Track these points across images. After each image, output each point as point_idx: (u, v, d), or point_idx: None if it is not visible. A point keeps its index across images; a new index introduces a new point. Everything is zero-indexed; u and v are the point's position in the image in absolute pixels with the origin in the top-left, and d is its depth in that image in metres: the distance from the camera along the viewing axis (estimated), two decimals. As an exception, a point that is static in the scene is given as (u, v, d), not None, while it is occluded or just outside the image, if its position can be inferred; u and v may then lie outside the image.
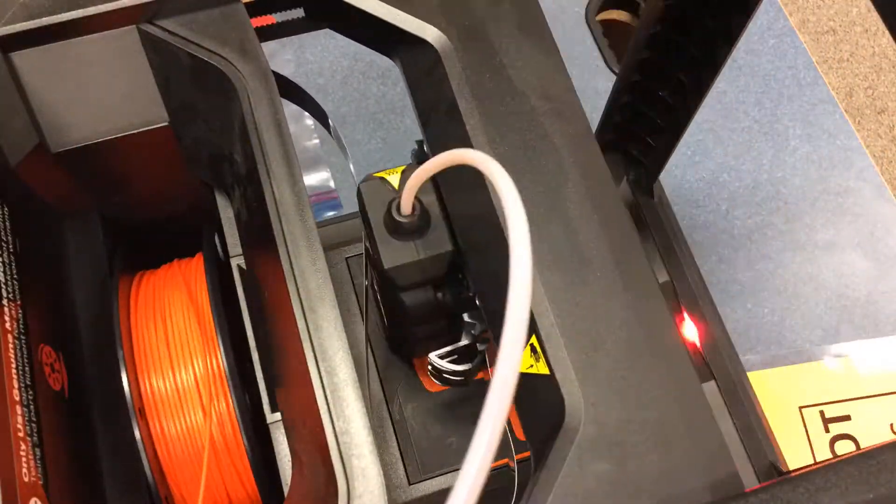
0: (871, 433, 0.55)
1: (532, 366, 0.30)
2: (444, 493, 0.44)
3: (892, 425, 0.56)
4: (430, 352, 0.39)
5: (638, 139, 0.52)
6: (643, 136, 0.52)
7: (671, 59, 0.45)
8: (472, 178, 0.30)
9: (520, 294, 0.21)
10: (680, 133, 0.49)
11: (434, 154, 0.36)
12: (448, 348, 0.38)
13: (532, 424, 0.31)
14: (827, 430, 0.56)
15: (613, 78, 0.46)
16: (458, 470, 0.45)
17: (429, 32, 0.35)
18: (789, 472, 0.28)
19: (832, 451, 0.56)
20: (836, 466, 0.26)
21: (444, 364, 0.39)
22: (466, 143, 0.33)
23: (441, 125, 0.35)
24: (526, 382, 0.30)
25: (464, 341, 0.38)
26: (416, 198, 0.34)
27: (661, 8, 0.41)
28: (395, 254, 0.34)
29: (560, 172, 0.32)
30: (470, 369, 0.39)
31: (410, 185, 0.31)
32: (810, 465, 0.28)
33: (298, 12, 0.40)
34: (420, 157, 0.39)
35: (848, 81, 0.84)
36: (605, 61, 0.44)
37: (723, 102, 0.71)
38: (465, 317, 0.37)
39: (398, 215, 0.34)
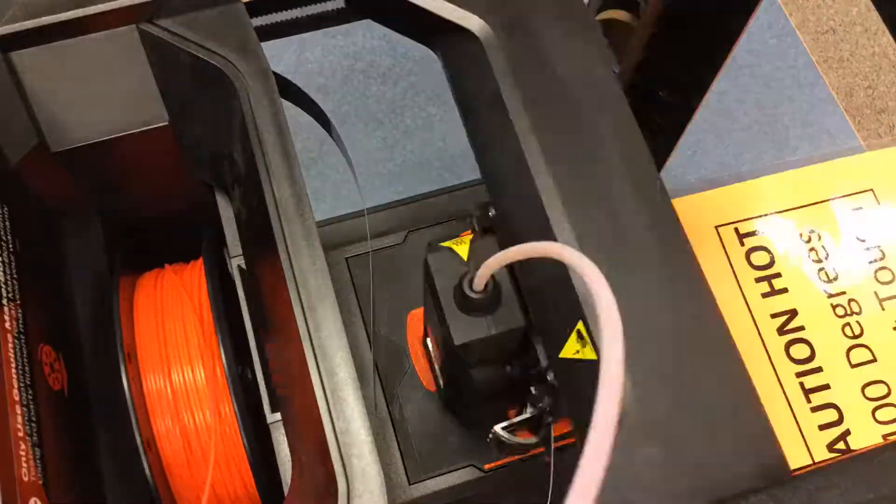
0: (781, 242, 0.63)
1: (578, 351, 0.30)
2: (445, 493, 0.44)
3: (800, 234, 0.63)
4: (491, 420, 0.38)
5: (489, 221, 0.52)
6: (643, 136, 0.52)
7: (671, 59, 0.45)
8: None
9: (609, 403, 0.21)
10: (680, 133, 0.49)
11: (491, 187, 0.36)
12: (514, 420, 0.37)
13: (579, 409, 0.31)
14: (742, 244, 0.62)
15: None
16: (458, 469, 0.45)
17: (472, 22, 0.35)
18: (789, 472, 0.28)
19: (748, 261, 0.62)
20: (837, 466, 0.26)
21: (511, 437, 0.38)
22: (511, 134, 0.33)
23: (485, 116, 0.35)
24: (573, 368, 0.31)
25: (529, 412, 0.37)
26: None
27: (661, 8, 0.41)
28: (467, 330, 0.33)
29: (605, 162, 0.32)
30: (536, 442, 0.38)
31: (489, 265, 0.30)
32: (810, 466, 0.28)
33: (339, 2, 0.40)
34: (482, 223, 0.37)
35: (848, 81, 0.84)
36: (605, 61, 0.44)
37: (723, 102, 0.71)
38: (532, 389, 0.36)
39: (471, 292, 0.33)
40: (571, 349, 0.31)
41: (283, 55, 0.75)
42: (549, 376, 0.35)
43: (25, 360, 0.32)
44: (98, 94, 0.36)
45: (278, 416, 0.38)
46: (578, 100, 0.34)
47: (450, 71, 0.38)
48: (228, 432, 0.38)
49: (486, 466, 0.44)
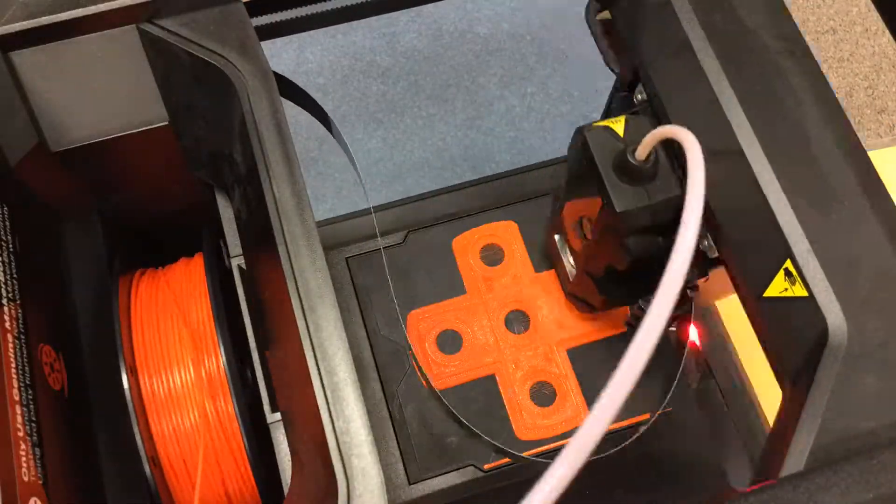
0: None
1: (787, 289, 0.31)
2: (445, 493, 0.44)
3: None
4: (627, 301, 0.40)
5: (635, 107, 0.52)
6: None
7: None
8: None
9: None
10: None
11: (668, 101, 0.36)
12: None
13: (787, 347, 0.32)
14: None
15: (613, 78, 0.46)
16: (458, 469, 0.45)
17: None
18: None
19: None
20: (837, 466, 0.26)
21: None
22: (704, 82, 0.34)
23: (672, 66, 0.36)
24: (779, 306, 0.31)
25: None
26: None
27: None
28: (628, 198, 0.35)
29: (799, 108, 0.33)
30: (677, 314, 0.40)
31: (656, 133, 0.32)
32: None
33: None
34: (626, 103, 0.39)
35: (848, 81, 0.84)
36: (605, 61, 0.44)
37: (723, 102, 0.71)
38: None
39: (634, 161, 0.34)
40: (779, 287, 0.31)
41: (282, 55, 0.75)
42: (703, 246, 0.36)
43: (25, 360, 0.32)
44: (98, 94, 0.36)
45: (278, 416, 0.38)
46: (768, 48, 0.34)
47: (628, 23, 0.38)
48: (228, 432, 0.38)
49: (486, 466, 0.44)
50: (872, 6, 0.29)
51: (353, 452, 0.28)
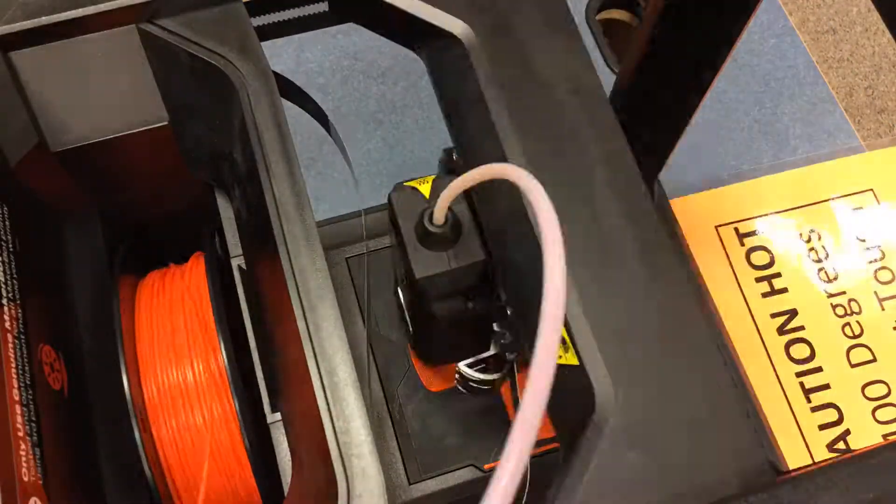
0: (781, 241, 0.64)
1: (561, 356, 0.30)
2: (445, 493, 0.44)
3: (800, 234, 0.64)
4: (457, 359, 0.39)
5: (637, 139, 0.52)
6: (643, 136, 0.52)
7: (671, 59, 0.45)
8: (505, 188, 0.30)
9: (554, 310, 0.21)
10: (680, 133, 0.49)
11: (465, 159, 0.36)
12: (477, 357, 0.38)
13: (561, 415, 0.31)
14: (742, 244, 0.64)
15: (613, 78, 0.46)
16: (458, 469, 0.45)
17: (455, 26, 0.35)
18: (789, 471, 0.28)
19: (748, 261, 0.63)
20: (837, 466, 0.26)
21: (473, 373, 0.39)
22: (494, 137, 0.33)
23: (468, 119, 0.35)
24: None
25: (492, 350, 0.38)
26: (449, 208, 0.34)
27: (662, 8, 0.41)
28: (427, 264, 0.34)
29: (587, 166, 0.33)
30: (497, 379, 0.39)
31: (445, 196, 0.31)
32: (810, 466, 0.28)
33: (322, 6, 0.40)
34: (448, 166, 0.38)
35: (848, 81, 0.84)
36: (606, 61, 0.44)
37: (723, 102, 0.71)
38: (495, 326, 0.37)
39: (430, 225, 0.34)
40: None
41: (282, 55, 0.75)
42: (510, 312, 0.35)
43: (25, 360, 0.32)
44: (98, 94, 0.36)
45: (278, 416, 0.38)
46: (561, 103, 0.34)
47: (433, 74, 0.38)
48: (229, 432, 0.38)
49: (486, 466, 0.44)
50: (872, 6, 0.29)
51: (353, 452, 0.28)
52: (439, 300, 0.36)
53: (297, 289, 0.30)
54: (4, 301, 0.32)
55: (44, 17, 0.34)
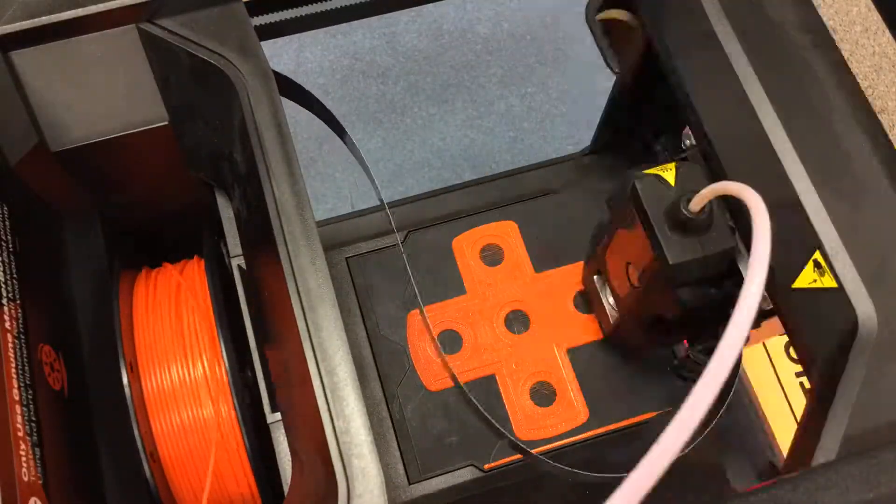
0: None
1: (815, 280, 0.31)
2: (445, 493, 0.44)
3: None
4: (673, 345, 0.41)
5: (638, 139, 0.52)
6: (643, 136, 0.52)
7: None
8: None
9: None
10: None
11: (696, 97, 0.37)
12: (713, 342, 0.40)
13: (816, 338, 0.32)
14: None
15: (613, 78, 0.46)
16: (458, 469, 0.45)
17: None
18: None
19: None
20: (836, 466, 0.26)
21: (701, 357, 0.41)
22: (732, 76, 0.34)
23: (699, 61, 0.36)
24: (808, 297, 0.31)
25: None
26: None
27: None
28: (681, 250, 0.35)
29: (827, 101, 0.33)
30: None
31: (712, 188, 0.32)
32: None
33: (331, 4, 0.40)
34: (675, 153, 0.39)
35: (848, 81, 0.84)
36: (606, 61, 0.44)
37: (723, 102, 0.71)
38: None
39: (688, 212, 0.34)
40: (808, 278, 0.32)
41: (282, 55, 0.75)
42: None
43: (25, 360, 0.32)
44: (98, 93, 0.36)
45: (278, 416, 0.38)
46: (795, 42, 0.34)
47: (653, 20, 0.39)
48: (229, 432, 0.38)
49: (486, 466, 0.44)
50: (872, 6, 0.29)
51: (353, 452, 0.28)
52: (688, 285, 0.36)
53: (297, 289, 0.30)
54: (4, 301, 0.32)
55: (44, 17, 0.34)
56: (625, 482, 0.20)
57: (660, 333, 0.42)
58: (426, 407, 0.45)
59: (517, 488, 0.45)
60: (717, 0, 0.35)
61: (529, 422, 0.45)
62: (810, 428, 0.30)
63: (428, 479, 0.44)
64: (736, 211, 0.36)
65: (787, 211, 0.32)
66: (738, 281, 0.37)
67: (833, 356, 0.30)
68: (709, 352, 0.39)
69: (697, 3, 0.35)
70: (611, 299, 0.44)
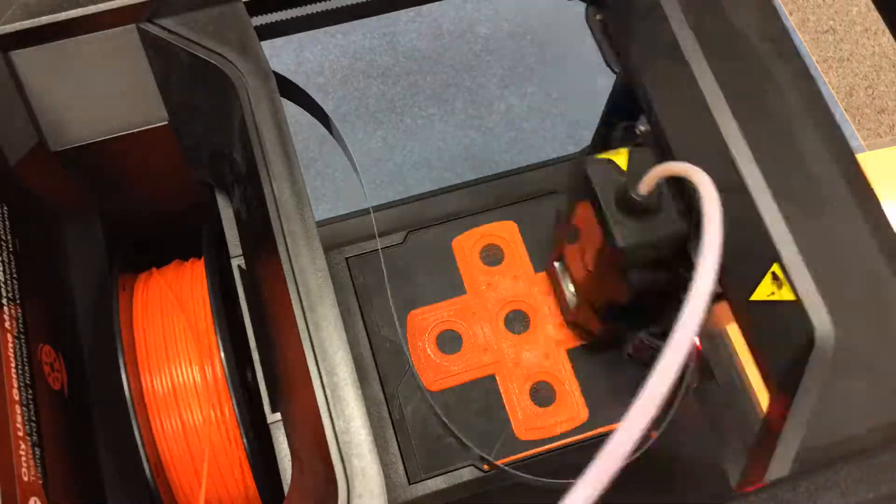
0: None
1: (773, 293, 0.31)
2: (445, 493, 0.44)
3: None
4: (630, 329, 0.41)
5: (638, 139, 0.52)
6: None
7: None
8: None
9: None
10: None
11: (657, 106, 0.37)
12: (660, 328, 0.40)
13: (773, 351, 0.32)
14: None
15: (613, 78, 0.46)
16: (458, 469, 0.45)
17: None
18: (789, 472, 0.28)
19: None
20: (837, 466, 0.27)
21: (653, 340, 0.41)
22: (693, 85, 0.34)
23: (662, 70, 0.36)
24: (765, 310, 0.31)
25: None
26: None
27: (662, 7, 0.41)
28: (631, 233, 0.35)
29: (788, 111, 0.33)
30: None
31: (659, 170, 0.32)
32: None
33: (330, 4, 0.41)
34: (628, 137, 0.40)
35: (848, 81, 0.84)
36: (606, 61, 0.44)
37: (723, 102, 0.71)
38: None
39: (637, 195, 0.34)
40: (766, 291, 0.31)
41: (282, 55, 0.75)
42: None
43: (25, 360, 0.32)
44: (98, 93, 0.36)
45: (278, 416, 0.38)
46: (756, 50, 0.34)
47: (618, 28, 0.39)
48: (228, 432, 0.38)
49: (486, 466, 0.44)
50: (872, 6, 0.29)
51: (353, 452, 0.28)
52: (638, 268, 0.36)
53: (297, 289, 0.30)
54: (4, 301, 0.32)
55: (44, 17, 0.34)
56: (586, 471, 0.20)
57: (615, 317, 0.42)
58: (426, 407, 0.45)
59: (518, 488, 0.44)
60: (680, 9, 0.35)
61: (529, 422, 0.45)
62: (765, 443, 0.30)
63: (428, 479, 0.44)
64: (689, 197, 0.35)
65: (745, 222, 0.32)
66: (690, 265, 0.37)
67: (790, 371, 0.30)
68: (664, 335, 0.40)
69: (660, 11, 0.35)
70: (571, 287, 0.44)
